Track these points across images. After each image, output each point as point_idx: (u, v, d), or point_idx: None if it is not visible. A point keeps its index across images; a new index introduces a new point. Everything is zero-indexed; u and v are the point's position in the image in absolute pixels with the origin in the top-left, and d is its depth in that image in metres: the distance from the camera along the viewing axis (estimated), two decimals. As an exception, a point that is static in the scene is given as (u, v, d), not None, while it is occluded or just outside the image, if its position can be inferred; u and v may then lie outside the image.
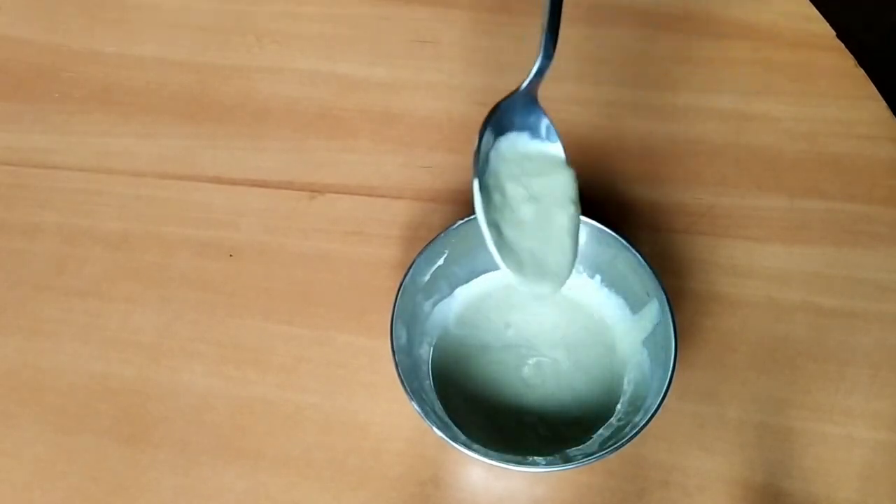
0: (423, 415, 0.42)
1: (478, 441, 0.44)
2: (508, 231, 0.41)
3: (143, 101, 0.60)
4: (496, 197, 0.41)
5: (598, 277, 0.49)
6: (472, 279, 0.50)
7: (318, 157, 0.57)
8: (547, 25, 0.40)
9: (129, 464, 0.47)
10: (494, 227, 0.41)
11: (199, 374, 0.49)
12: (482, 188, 0.41)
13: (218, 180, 0.56)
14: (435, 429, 0.41)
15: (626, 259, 0.47)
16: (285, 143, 0.58)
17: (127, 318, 0.51)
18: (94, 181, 0.56)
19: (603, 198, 0.55)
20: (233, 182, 0.56)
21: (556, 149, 0.43)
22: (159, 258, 0.53)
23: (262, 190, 0.56)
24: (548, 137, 0.43)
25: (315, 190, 0.56)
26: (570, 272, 0.42)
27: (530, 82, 0.41)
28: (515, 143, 0.42)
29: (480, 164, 0.41)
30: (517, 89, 0.41)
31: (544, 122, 0.42)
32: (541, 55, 0.41)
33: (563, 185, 0.42)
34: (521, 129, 0.42)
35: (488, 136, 0.41)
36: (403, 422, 0.47)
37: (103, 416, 0.48)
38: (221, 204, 0.55)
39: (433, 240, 0.46)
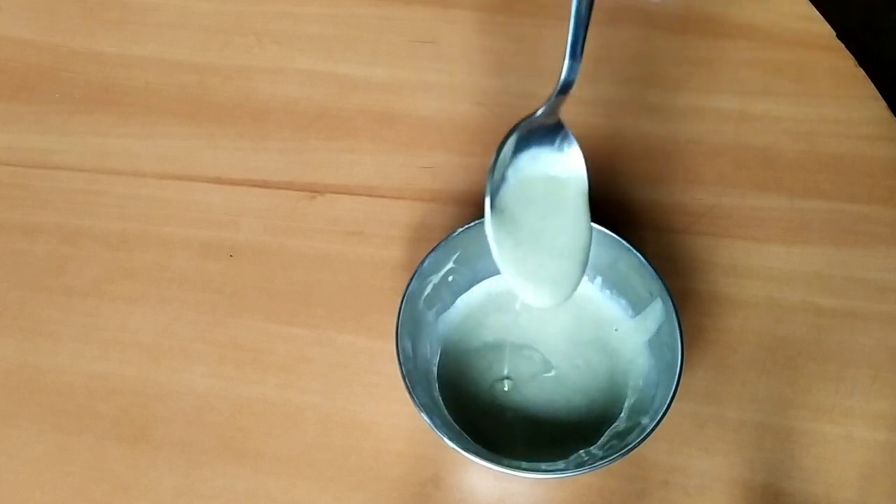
0: (434, 428, 0.41)
1: (483, 446, 0.44)
2: (517, 243, 0.41)
3: (143, 101, 0.60)
4: (508, 211, 0.41)
5: (598, 280, 0.49)
6: (473, 286, 0.50)
7: (318, 157, 0.57)
8: (572, 38, 0.38)
9: (129, 464, 0.47)
10: (504, 239, 0.41)
11: (199, 374, 0.49)
12: (496, 202, 0.41)
13: (218, 180, 0.56)
14: (448, 441, 0.41)
15: (628, 260, 0.47)
16: (285, 143, 0.58)
17: (127, 318, 0.51)
18: (94, 181, 0.56)
19: (603, 198, 0.55)
20: (233, 182, 0.56)
21: (576, 162, 0.42)
22: (159, 258, 0.53)
23: (262, 190, 0.56)
24: (569, 152, 0.42)
25: (315, 190, 0.56)
26: (578, 284, 0.42)
27: (555, 100, 0.40)
28: (535, 159, 0.42)
29: (497, 180, 0.41)
30: (540, 107, 0.40)
31: (566, 139, 0.42)
32: (564, 71, 0.39)
33: (575, 198, 0.42)
34: (541, 145, 0.42)
35: (506, 151, 0.41)
36: (403, 422, 0.47)
37: (103, 416, 0.48)
38: (221, 204, 0.55)
39: (433, 249, 0.46)
